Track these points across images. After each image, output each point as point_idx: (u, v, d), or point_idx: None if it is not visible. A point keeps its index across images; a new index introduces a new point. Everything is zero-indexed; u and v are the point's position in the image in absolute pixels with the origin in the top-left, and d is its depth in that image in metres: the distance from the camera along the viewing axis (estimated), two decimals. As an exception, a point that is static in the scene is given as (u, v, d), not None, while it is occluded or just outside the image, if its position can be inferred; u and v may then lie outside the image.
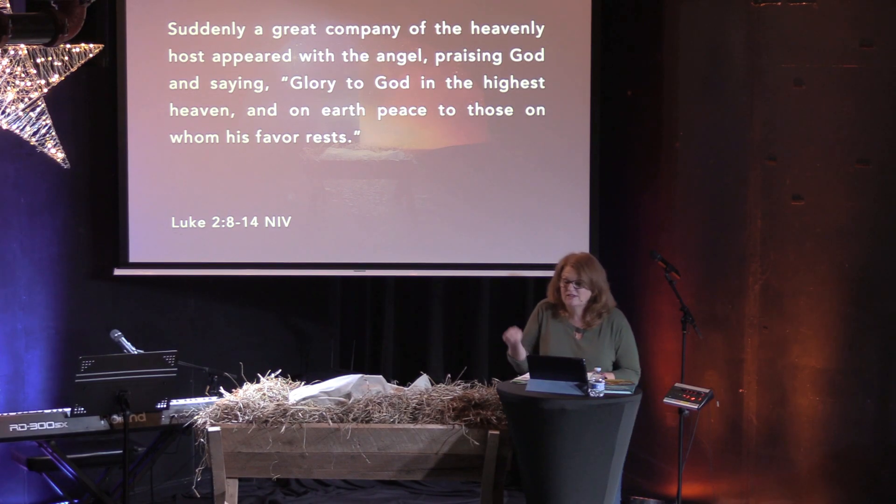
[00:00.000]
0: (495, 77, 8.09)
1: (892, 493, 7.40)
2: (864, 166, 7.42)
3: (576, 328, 6.62)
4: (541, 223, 8.10)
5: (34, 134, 7.40)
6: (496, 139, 8.14)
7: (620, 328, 6.61)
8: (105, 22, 7.99)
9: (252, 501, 8.10)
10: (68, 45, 7.33)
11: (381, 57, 8.10)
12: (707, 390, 7.00)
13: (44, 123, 7.40)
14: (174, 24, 8.08)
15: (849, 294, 7.47)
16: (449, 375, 6.94)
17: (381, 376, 6.86)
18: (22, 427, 6.90)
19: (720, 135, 7.77)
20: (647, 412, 7.46)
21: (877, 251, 7.43)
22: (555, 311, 6.68)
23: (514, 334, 6.58)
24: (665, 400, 7.06)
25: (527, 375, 6.44)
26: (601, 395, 6.20)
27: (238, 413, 6.55)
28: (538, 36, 8.07)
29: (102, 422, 6.94)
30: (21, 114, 7.33)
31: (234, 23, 8.08)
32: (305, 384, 6.81)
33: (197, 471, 6.66)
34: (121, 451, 6.83)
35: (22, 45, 7.16)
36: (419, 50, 8.10)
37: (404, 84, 8.11)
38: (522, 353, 6.60)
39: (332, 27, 8.10)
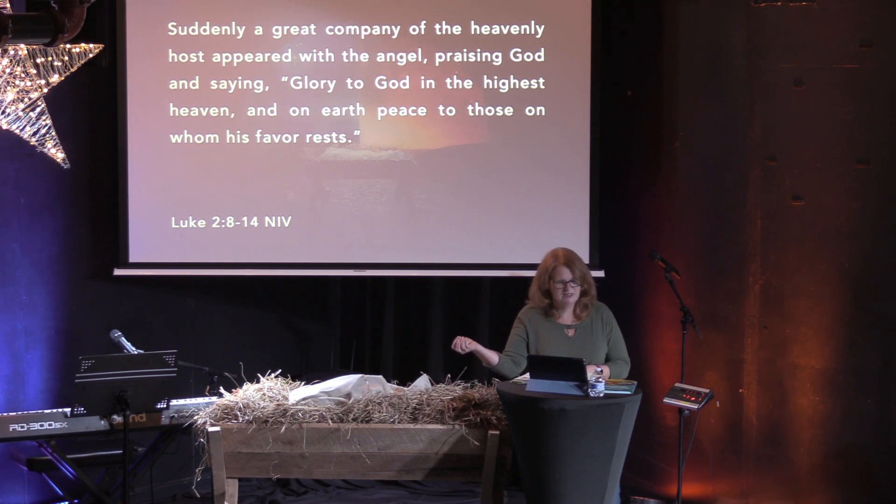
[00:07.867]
0: (495, 77, 8.09)
1: (892, 493, 7.40)
2: (864, 166, 7.42)
3: (566, 326, 6.63)
4: (541, 223, 8.09)
5: (34, 134, 7.39)
6: (496, 139, 8.14)
7: (610, 321, 6.69)
8: (105, 22, 7.99)
9: (252, 501, 8.10)
10: (68, 45, 7.32)
11: (381, 57, 8.10)
12: (707, 390, 7.00)
13: (44, 123, 7.40)
14: (174, 24, 8.08)
15: (849, 294, 7.47)
16: (449, 375, 6.92)
17: (381, 376, 6.85)
18: (22, 427, 6.90)
19: (720, 135, 7.77)
20: (647, 412, 7.46)
21: (877, 251, 7.42)
22: (543, 313, 6.67)
23: (463, 343, 6.57)
24: (665, 400, 7.06)
25: (527, 375, 6.44)
26: (601, 395, 6.20)
27: (238, 413, 6.55)
28: (538, 36, 8.07)
29: (102, 422, 6.94)
30: (21, 114, 7.32)
31: (234, 23, 8.08)
32: (305, 384, 6.80)
33: (197, 471, 6.66)
34: (121, 451, 6.83)
35: (22, 45, 7.16)
36: (419, 50, 8.10)
37: (404, 84, 8.10)
38: (493, 357, 6.63)
39: (332, 27, 8.10)
